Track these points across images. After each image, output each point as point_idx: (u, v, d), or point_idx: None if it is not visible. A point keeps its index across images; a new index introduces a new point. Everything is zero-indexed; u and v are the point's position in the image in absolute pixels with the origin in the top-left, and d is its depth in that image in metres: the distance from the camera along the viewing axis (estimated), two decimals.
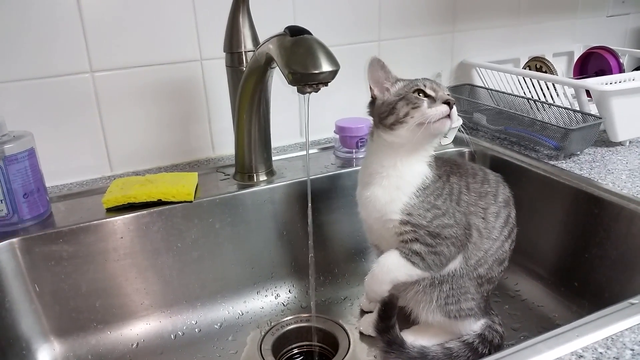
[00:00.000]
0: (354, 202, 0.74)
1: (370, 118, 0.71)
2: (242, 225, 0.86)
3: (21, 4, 0.81)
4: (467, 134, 1.00)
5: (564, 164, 0.91)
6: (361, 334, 0.80)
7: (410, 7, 1.11)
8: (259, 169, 0.89)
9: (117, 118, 0.92)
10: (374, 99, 0.70)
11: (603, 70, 1.19)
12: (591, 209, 0.80)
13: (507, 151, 0.98)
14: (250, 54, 0.82)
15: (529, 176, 0.91)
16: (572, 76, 1.27)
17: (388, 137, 0.67)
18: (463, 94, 1.17)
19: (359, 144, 0.97)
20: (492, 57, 1.21)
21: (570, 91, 1.08)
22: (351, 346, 0.78)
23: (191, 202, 0.82)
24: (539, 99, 1.07)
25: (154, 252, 0.81)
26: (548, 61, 1.23)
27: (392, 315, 0.66)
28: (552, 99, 1.06)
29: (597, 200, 0.79)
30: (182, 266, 0.83)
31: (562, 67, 1.33)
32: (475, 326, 0.71)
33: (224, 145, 1.02)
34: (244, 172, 0.89)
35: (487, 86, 1.17)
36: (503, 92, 1.11)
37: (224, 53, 0.85)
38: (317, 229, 0.89)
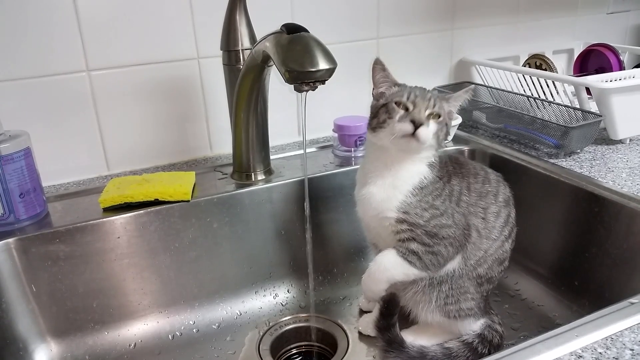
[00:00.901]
0: (353, 201, 0.73)
1: None
2: (240, 225, 0.85)
3: (17, 2, 0.81)
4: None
5: (564, 162, 0.90)
6: (360, 333, 0.79)
7: (409, 4, 1.10)
8: (257, 168, 0.89)
9: (113, 117, 0.92)
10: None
11: (603, 67, 1.18)
12: (591, 208, 0.80)
13: (507, 149, 0.98)
14: (247, 52, 0.82)
15: (528, 174, 0.90)
16: (572, 74, 1.26)
17: (372, 138, 0.68)
18: None
19: (358, 142, 0.96)
20: (492, 55, 1.21)
21: (570, 89, 1.07)
22: (350, 346, 0.77)
23: (188, 201, 0.81)
24: (539, 96, 1.07)
25: (151, 252, 0.80)
26: (548, 59, 1.22)
27: (394, 313, 0.66)
28: (552, 96, 1.06)
29: (597, 199, 0.79)
30: (179, 266, 0.82)
31: (562, 64, 1.32)
32: (474, 326, 0.71)
33: (222, 144, 1.01)
34: (241, 171, 0.89)
35: (486, 84, 1.16)
36: (503, 90, 1.10)
37: (221, 51, 0.84)
38: (316, 229, 0.89)
